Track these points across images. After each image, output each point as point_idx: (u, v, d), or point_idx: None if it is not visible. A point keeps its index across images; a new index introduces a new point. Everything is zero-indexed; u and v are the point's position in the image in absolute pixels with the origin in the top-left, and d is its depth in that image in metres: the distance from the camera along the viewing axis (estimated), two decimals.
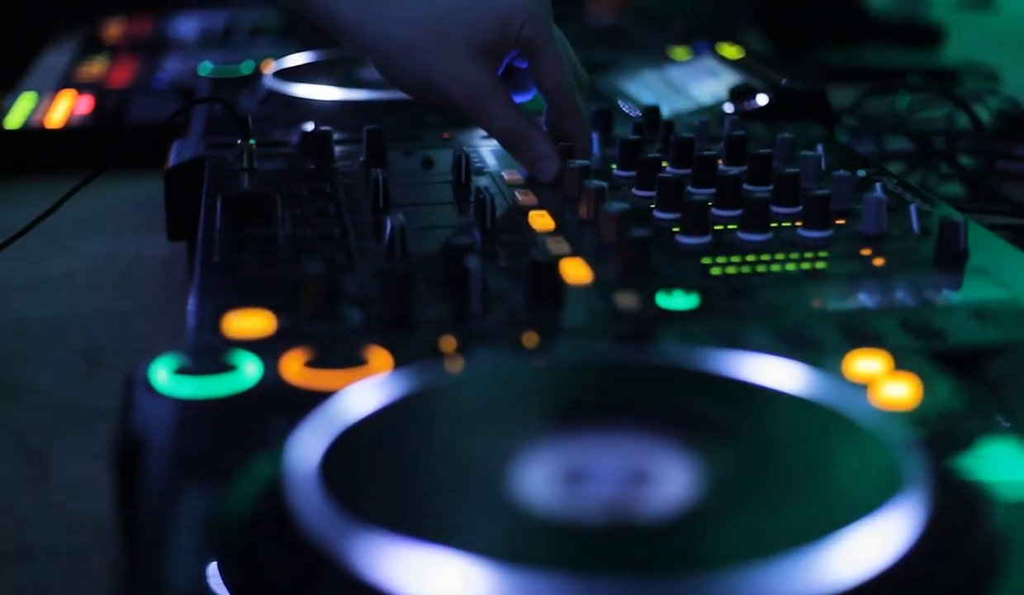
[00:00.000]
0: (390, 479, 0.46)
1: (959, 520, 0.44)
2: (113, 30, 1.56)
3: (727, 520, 0.44)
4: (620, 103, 1.06)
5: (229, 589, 0.41)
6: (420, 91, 0.85)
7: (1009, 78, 1.51)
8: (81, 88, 1.27)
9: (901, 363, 0.56)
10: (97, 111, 1.20)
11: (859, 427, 0.49)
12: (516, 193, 0.80)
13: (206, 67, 1.26)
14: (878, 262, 0.69)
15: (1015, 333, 0.60)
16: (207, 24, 1.56)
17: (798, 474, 0.47)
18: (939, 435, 0.50)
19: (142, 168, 1.04)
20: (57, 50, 1.46)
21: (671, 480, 0.45)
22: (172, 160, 0.90)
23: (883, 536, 0.41)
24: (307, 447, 0.46)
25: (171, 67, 1.36)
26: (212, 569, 0.42)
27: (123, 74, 1.34)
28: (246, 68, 1.25)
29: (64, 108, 1.20)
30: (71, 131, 1.17)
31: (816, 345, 0.58)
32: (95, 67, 1.37)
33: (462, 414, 0.51)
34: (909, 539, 0.41)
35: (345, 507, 0.42)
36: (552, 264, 0.63)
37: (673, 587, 0.39)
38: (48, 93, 1.25)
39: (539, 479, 0.45)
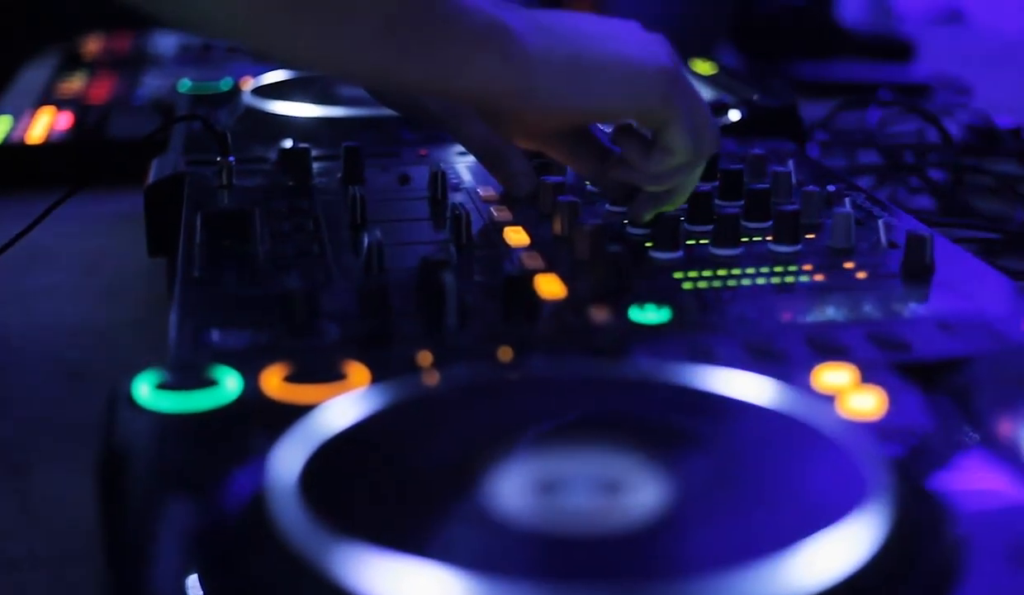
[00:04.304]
0: (369, 491, 0.47)
1: (921, 529, 0.45)
2: (92, 46, 1.57)
3: (697, 529, 0.45)
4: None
5: None
6: (403, 106, 0.86)
7: (980, 92, 1.53)
8: (61, 104, 1.28)
9: (867, 375, 0.57)
10: (77, 127, 1.21)
11: (825, 438, 0.50)
12: (492, 209, 0.81)
13: (185, 84, 1.27)
14: (846, 276, 0.71)
15: (980, 345, 0.62)
16: (185, 40, 1.57)
17: (766, 484, 0.48)
18: (903, 445, 0.52)
19: (122, 184, 1.05)
20: (36, 66, 1.47)
21: (643, 490, 0.46)
22: (152, 176, 0.91)
23: (847, 544, 0.42)
24: (287, 460, 0.47)
25: (150, 83, 1.37)
26: (192, 581, 0.43)
27: (102, 90, 1.34)
28: (225, 85, 1.26)
29: (44, 124, 1.21)
30: (51, 147, 1.18)
31: (785, 358, 0.60)
32: (74, 83, 1.38)
33: (439, 427, 0.52)
34: (872, 547, 0.43)
35: (325, 519, 0.43)
36: (527, 279, 0.64)
37: (644, 594, 0.40)
38: (28, 109, 1.26)
39: (514, 490, 0.46)
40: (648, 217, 0.77)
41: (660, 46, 0.73)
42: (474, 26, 0.68)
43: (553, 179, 0.81)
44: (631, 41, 0.73)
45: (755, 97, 1.08)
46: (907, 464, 0.50)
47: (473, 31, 0.68)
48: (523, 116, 0.72)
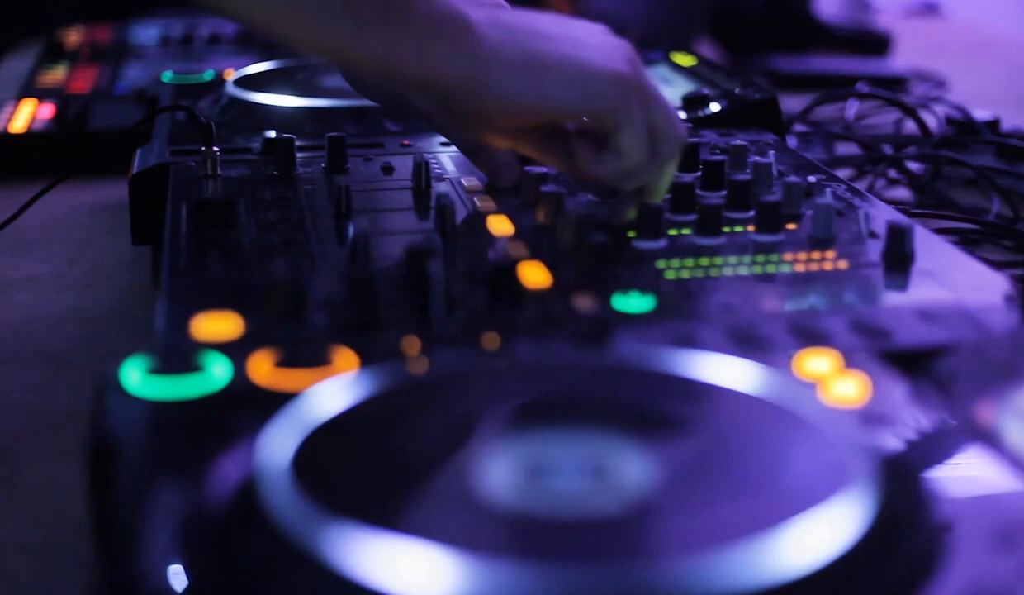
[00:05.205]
0: (360, 474, 0.47)
1: (904, 514, 0.46)
2: (73, 37, 1.57)
3: (680, 512, 0.45)
4: None
5: (204, 586, 0.43)
6: (386, 99, 0.86)
7: (955, 85, 1.54)
8: (42, 95, 1.28)
9: (850, 362, 0.58)
10: (59, 118, 1.21)
11: (808, 424, 0.50)
12: (475, 199, 0.82)
13: (168, 75, 1.27)
14: (827, 265, 0.71)
15: (961, 333, 0.62)
16: (166, 31, 1.57)
17: (750, 469, 0.49)
18: (886, 432, 0.52)
19: (104, 174, 1.05)
20: (18, 57, 1.47)
21: (628, 474, 0.47)
22: (136, 166, 0.91)
23: (830, 529, 0.43)
24: (279, 444, 0.47)
25: (131, 74, 1.37)
26: (175, 569, 0.43)
27: (84, 81, 1.34)
28: (208, 76, 1.26)
29: (26, 115, 1.21)
30: (33, 137, 1.18)
31: (767, 345, 0.60)
32: (56, 74, 1.37)
33: (428, 412, 0.53)
34: (855, 532, 0.43)
35: (316, 502, 0.44)
36: (511, 268, 0.65)
37: (628, 576, 0.41)
38: (10, 100, 1.26)
39: (502, 473, 0.47)
40: (628, 217, 0.77)
41: (620, 51, 0.74)
42: (433, 12, 0.68)
43: (536, 169, 0.82)
44: (590, 44, 0.73)
45: (736, 90, 1.08)
46: (889, 450, 0.51)
47: (431, 17, 0.68)
48: (478, 110, 0.73)
